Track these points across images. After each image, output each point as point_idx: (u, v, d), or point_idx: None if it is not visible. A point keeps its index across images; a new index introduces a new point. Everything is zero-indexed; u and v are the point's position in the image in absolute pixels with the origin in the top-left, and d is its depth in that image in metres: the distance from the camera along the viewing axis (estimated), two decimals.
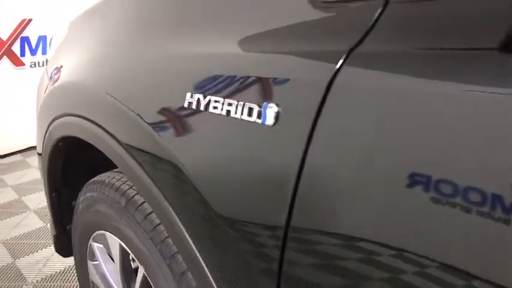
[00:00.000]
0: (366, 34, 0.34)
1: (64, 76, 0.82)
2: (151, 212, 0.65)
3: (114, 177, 0.75)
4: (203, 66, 0.48)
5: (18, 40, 2.53)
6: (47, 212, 1.81)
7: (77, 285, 1.38)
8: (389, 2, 0.33)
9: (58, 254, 1.52)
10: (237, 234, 0.46)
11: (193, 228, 0.55)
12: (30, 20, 2.54)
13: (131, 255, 0.75)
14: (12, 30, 2.50)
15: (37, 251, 1.59)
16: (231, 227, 0.47)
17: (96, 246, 0.89)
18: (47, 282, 1.41)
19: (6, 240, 1.67)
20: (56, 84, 0.85)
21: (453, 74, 0.29)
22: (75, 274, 1.41)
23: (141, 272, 0.72)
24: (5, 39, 2.48)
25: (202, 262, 0.54)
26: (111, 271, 0.90)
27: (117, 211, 0.72)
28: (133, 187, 0.70)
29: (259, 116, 0.39)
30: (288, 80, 0.38)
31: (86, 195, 0.83)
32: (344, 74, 0.34)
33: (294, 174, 0.37)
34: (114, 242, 0.79)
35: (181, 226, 0.56)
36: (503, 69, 0.27)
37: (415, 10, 0.33)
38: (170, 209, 0.57)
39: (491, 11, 0.30)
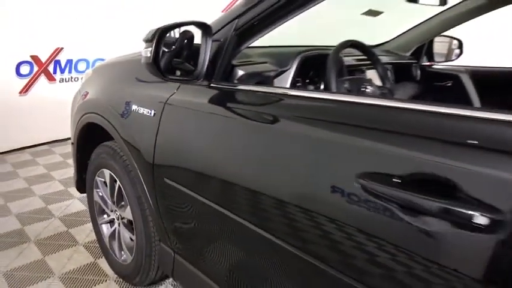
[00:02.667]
0: (174, 92, 1.24)
1: (89, 96, 1.73)
2: (123, 155, 1.54)
3: (110, 143, 1.65)
4: (136, 96, 1.39)
5: (53, 62, 3.48)
6: (68, 181, 2.71)
7: (85, 220, 2.26)
8: (180, 86, 1.24)
9: (74, 204, 2.42)
10: (147, 163, 1.35)
11: (137, 160, 1.44)
12: (62, 48, 3.49)
13: (115, 179, 1.64)
14: (49, 55, 3.44)
15: (61, 202, 2.49)
16: (144, 159, 1.35)
17: (99, 179, 1.78)
18: (67, 217, 2.31)
19: (41, 195, 2.58)
20: (85, 99, 1.76)
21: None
22: (84, 214, 2.30)
23: (117, 183, 1.62)
24: (43, 61, 3.43)
25: (139, 173, 1.43)
26: (105, 193, 1.79)
27: (110, 156, 1.61)
28: (117, 146, 1.60)
29: (150, 114, 1.30)
30: (154, 102, 1.28)
31: (96, 151, 1.72)
32: (168, 103, 1.24)
33: (154, 137, 1.26)
34: (107, 174, 1.68)
35: (133, 160, 1.45)
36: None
37: (188, 87, 1.23)
38: (129, 153, 1.46)
39: None
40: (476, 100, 1.87)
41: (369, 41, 2.21)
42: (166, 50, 1.06)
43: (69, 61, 3.58)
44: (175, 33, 1.15)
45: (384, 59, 1.92)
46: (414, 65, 2.04)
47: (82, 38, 3.50)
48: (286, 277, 0.94)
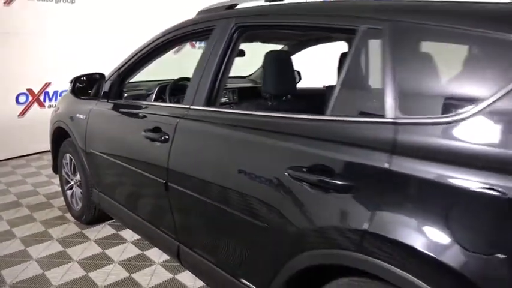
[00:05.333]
0: (94, 106, 2.42)
1: (59, 110, 2.92)
2: (74, 143, 2.72)
3: (69, 138, 2.83)
4: (77, 109, 2.58)
5: (43, 93, 4.71)
6: (51, 175, 3.86)
7: (60, 195, 3.40)
8: (97, 102, 2.42)
9: (54, 187, 3.59)
10: (83, 144, 2.53)
11: (79, 144, 2.61)
12: (50, 83, 4.73)
13: (71, 159, 2.81)
14: (41, 87, 4.67)
15: (45, 187, 3.65)
16: (81, 142, 2.53)
17: (64, 162, 2.96)
18: (49, 194, 3.46)
19: (32, 183, 3.74)
20: (57, 112, 2.95)
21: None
22: (59, 193, 3.45)
23: (72, 161, 2.79)
24: (36, 92, 4.65)
25: (80, 151, 2.60)
26: (67, 169, 2.95)
27: (70, 146, 2.78)
28: (72, 139, 2.77)
29: (83, 117, 2.48)
30: (85, 111, 2.47)
31: (63, 143, 2.90)
32: (91, 111, 2.42)
33: (85, 129, 2.44)
34: (68, 156, 2.86)
35: (78, 144, 2.63)
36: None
37: (99, 102, 2.42)
38: (78, 142, 2.64)
39: None
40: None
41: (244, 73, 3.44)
42: (80, 85, 2.26)
43: (56, 92, 4.81)
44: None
45: (242, 84, 3.13)
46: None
47: (65, 75, 4.72)
48: (157, 196, 2.04)
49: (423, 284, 0.94)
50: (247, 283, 1.47)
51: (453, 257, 0.90)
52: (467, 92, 1.02)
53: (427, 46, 1.14)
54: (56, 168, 3.13)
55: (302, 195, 1.21)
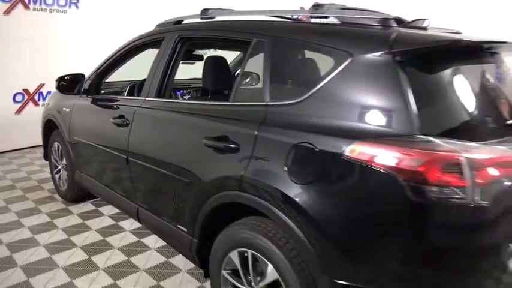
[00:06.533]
0: (77, 100, 2.94)
1: (49, 105, 3.43)
2: (61, 133, 3.23)
3: (58, 129, 3.34)
4: (63, 103, 3.10)
5: (38, 93, 5.23)
6: (43, 165, 4.38)
7: (49, 180, 3.91)
8: (80, 97, 2.94)
9: (45, 175, 4.11)
10: (67, 133, 3.05)
11: (65, 133, 3.13)
12: (43, 84, 5.24)
13: (59, 146, 3.32)
14: (35, 88, 5.19)
15: (37, 174, 4.16)
16: (66, 131, 3.05)
17: (53, 149, 3.47)
18: (41, 180, 3.97)
19: (27, 171, 4.24)
20: (47, 107, 3.47)
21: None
22: (49, 179, 3.96)
23: (60, 148, 3.30)
24: (31, 92, 5.17)
25: (65, 138, 3.12)
26: (56, 155, 3.46)
27: (58, 135, 3.29)
28: (60, 130, 3.29)
29: (68, 110, 3.00)
30: (70, 105, 2.99)
31: (52, 133, 3.42)
32: (75, 104, 2.94)
33: (69, 120, 2.97)
34: (56, 144, 3.37)
35: (64, 133, 3.14)
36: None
37: (82, 97, 2.94)
38: (64, 131, 3.16)
39: None
40: None
41: None
42: (64, 83, 2.78)
43: (49, 92, 5.30)
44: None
45: None
46: None
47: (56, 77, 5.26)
48: (121, 169, 2.55)
49: (274, 208, 1.46)
50: (182, 228, 1.98)
51: (288, 188, 1.42)
52: (307, 83, 1.55)
53: (291, 53, 1.67)
54: (46, 155, 3.65)
55: (211, 157, 1.73)
